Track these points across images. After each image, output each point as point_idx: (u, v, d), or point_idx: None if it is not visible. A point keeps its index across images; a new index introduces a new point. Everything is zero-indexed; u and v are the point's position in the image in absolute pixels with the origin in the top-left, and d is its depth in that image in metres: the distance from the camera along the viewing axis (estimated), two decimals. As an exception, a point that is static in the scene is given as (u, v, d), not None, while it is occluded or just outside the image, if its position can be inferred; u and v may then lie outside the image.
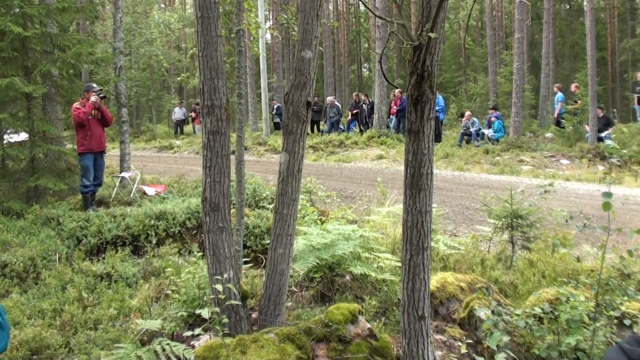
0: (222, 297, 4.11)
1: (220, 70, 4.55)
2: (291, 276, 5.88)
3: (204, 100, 4.53)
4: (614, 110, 24.91)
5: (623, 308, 4.38)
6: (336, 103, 25.78)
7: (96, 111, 10.01)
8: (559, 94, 21.11)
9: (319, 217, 7.74)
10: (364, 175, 15.81)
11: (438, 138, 21.30)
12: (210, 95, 4.50)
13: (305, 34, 4.51)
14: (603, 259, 4.32)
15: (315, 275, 5.92)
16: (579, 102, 19.36)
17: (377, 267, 5.92)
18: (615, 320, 4.38)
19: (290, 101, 4.51)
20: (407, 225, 3.64)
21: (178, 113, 30.80)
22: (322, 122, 26.79)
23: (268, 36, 31.36)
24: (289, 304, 5.56)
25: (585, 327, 4.12)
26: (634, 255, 4.35)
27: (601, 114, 18.06)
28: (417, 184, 3.56)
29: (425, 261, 3.65)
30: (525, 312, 4.48)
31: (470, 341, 4.57)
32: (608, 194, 3.93)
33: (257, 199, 9.67)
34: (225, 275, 4.43)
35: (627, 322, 4.40)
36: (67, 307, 6.32)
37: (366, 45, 47.47)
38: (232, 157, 4.90)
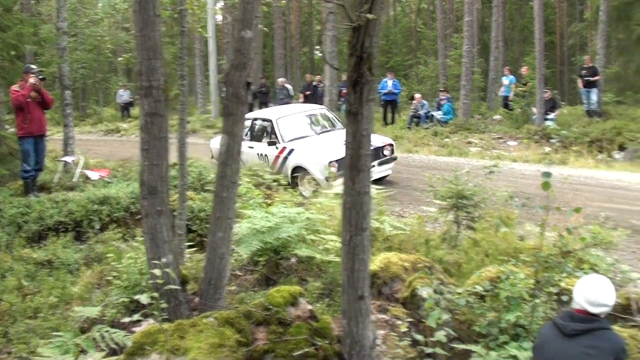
0: (161, 282, 4.03)
1: (158, 51, 4.45)
2: (235, 260, 5.85)
3: (141, 81, 4.42)
4: (556, 92, 25.30)
5: (562, 284, 4.47)
6: (287, 85, 25.56)
7: (35, 93, 9.65)
8: (511, 76, 21.41)
9: (265, 200, 7.68)
10: (314, 158, 15.76)
11: (392, 120, 21.42)
12: (147, 76, 4.39)
13: (245, 13, 4.44)
14: (542, 237, 4.40)
15: (260, 259, 5.90)
16: (528, 84, 19.67)
17: (322, 249, 5.92)
18: (555, 297, 4.47)
19: (230, 82, 4.44)
20: (346, 206, 3.64)
21: (124, 95, 29.94)
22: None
23: (219, 17, 30.78)
24: (233, 287, 5.52)
25: (525, 304, 4.20)
26: (572, 233, 4.45)
27: (549, 97, 18.40)
28: (356, 165, 3.55)
29: (365, 242, 3.66)
30: (467, 290, 4.54)
31: (412, 320, 4.61)
32: (547, 174, 4.01)
33: (202, 182, 9.53)
34: (164, 260, 4.35)
35: (564, 298, 4.50)
36: (6, 296, 6.17)
37: (318, 27, 47.22)
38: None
